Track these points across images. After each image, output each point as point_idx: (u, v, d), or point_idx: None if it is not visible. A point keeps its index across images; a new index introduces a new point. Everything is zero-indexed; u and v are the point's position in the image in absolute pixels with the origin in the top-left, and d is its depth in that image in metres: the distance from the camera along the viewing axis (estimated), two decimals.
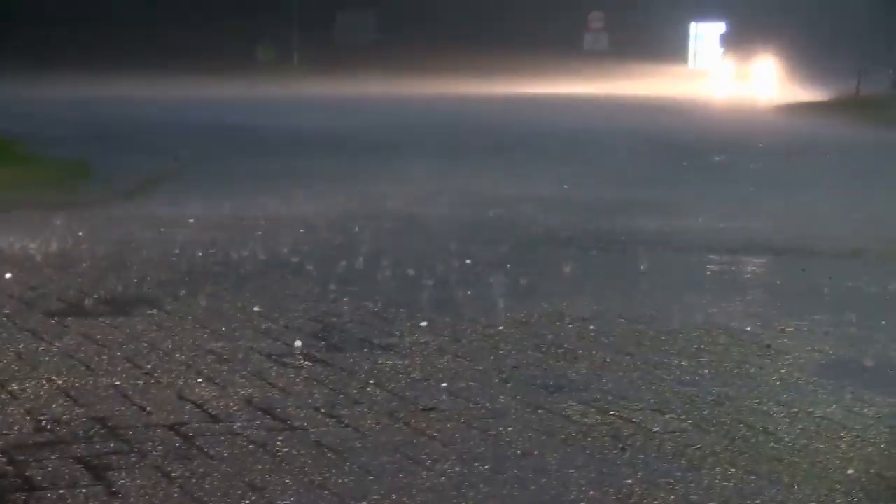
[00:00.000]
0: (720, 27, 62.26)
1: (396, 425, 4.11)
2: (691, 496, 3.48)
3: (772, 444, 3.98)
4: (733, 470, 3.71)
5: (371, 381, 4.66)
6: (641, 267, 7.50)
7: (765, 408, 4.39)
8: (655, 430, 4.11)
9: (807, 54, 47.38)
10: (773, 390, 4.63)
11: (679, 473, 3.67)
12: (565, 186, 11.95)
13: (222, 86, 37.08)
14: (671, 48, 60.36)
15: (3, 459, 3.68)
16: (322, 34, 57.22)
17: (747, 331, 5.65)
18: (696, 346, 5.33)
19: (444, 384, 4.64)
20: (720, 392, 4.59)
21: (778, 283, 7.02)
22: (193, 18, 55.62)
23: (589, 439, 4.00)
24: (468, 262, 7.47)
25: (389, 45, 56.45)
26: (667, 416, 4.27)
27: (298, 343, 5.26)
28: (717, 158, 15.63)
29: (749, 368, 4.97)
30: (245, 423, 4.10)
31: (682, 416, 4.27)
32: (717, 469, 3.72)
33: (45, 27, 52.59)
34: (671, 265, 7.62)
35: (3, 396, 4.36)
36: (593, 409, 4.33)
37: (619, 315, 5.96)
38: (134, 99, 29.01)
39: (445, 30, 57.53)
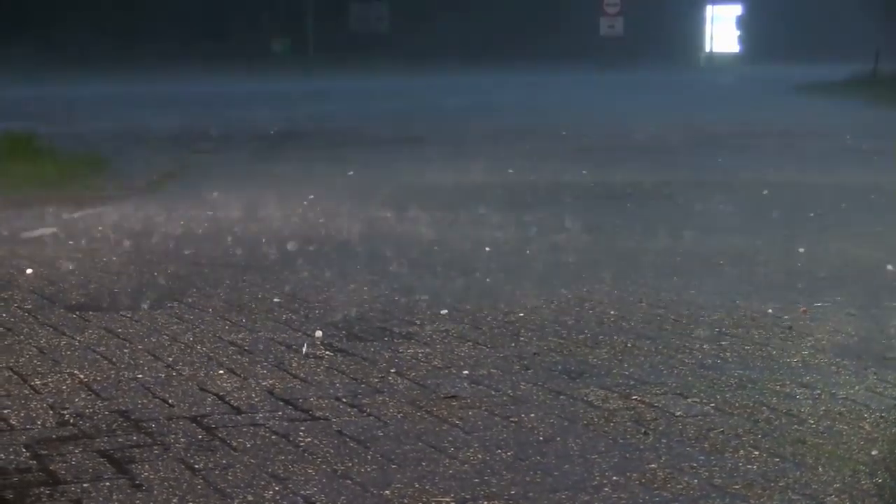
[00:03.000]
0: (736, 9, 62.10)
1: (418, 414, 4.11)
2: (715, 479, 3.47)
3: (795, 426, 3.97)
4: (756, 453, 3.70)
5: (392, 370, 4.66)
6: (662, 248, 7.48)
7: (787, 390, 4.38)
8: (678, 413, 4.10)
9: (823, 35, 47.23)
10: (795, 372, 4.62)
11: (702, 457, 3.67)
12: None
13: (243, 78, 37.09)
14: (687, 32, 60.23)
15: (27, 454, 3.69)
16: (337, 24, 57.20)
17: (768, 313, 5.64)
18: (717, 330, 5.32)
19: (466, 372, 4.64)
20: (742, 375, 4.58)
21: (799, 264, 6.99)
22: (209, 11, 55.68)
23: (611, 424, 3.99)
24: (487, 249, 7.47)
25: (403, 34, 56.42)
26: (689, 400, 4.26)
27: (319, 333, 5.26)
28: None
29: (771, 350, 4.96)
30: (267, 414, 4.10)
31: (705, 400, 4.26)
32: (741, 452, 3.71)
33: (61, 22, 52.65)
34: (691, 246, 7.59)
35: (25, 391, 4.37)
36: (615, 394, 4.33)
37: (639, 299, 5.95)
38: (151, 93, 29.03)
39: (459, 17, 57.46)
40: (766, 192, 10.34)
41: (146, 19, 53.90)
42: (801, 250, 7.41)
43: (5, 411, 4.12)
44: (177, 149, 14.83)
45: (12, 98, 26.84)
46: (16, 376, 4.58)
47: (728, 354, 4.90)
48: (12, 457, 3.67)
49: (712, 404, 4.21)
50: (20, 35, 50.32)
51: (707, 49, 61.44)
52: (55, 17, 52.55)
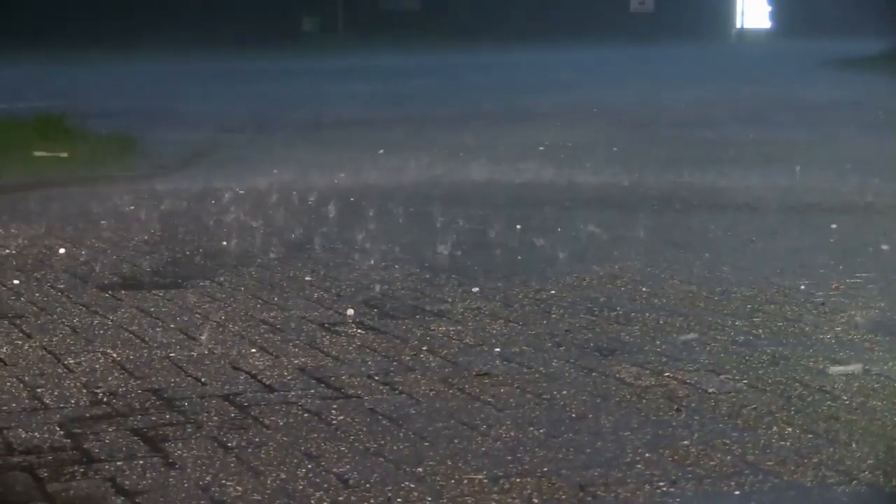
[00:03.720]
0: None
1: (450, 391, 4.11)
2: (748, 456, 3.46)
3: (828, 402, 3.95)
4: (790, 429, 3.69)
5: (424, 348, 4.66)
6: (692, 227, 7.46)
7: (820, 366, 4.36)
8: (710, 390, 4.09)
9: (855, 9, 46.92)
10: (828, 348, 4.60)
11: (735, 434, 3.65)
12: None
13: (273, 56, 37.12)
14: (717, 7, 59.96)
15: (61, 432, 3.71)
16: (366, 3, 57.14)
17: (801, 289, 5.61)
18: (749, 306, 5.30)
19: (498, 349, 4.63)
20: (775, 351, 4.56)
21: (831, 240, 6.96)
22: None
23: (644, 401, 3.98)
24: (518, 226, 7.46)
25: (434, 12, 56.34)
26: (722, 377, 4.24)
27: (351, 311, 5.27)
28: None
29: (804, 327, 4.94)
30: (299, 392, 4.11)
31: (737, 377, 4.24)
32: (774, 429, 3.70)
33: (84, 3, 52.74)
34: (723, 224, 7.56)
35: (59, 370, 4.40)
36: (647, 371, 4.32)
37: (671, 276, 5.94)
38: (180, 72, 29.08)
39: None
40: (798, 168, 10.29)
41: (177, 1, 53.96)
42: (834, 226, 7.38)
43: (39, 390, 4.15)
44: (209, 128, 14.85)
45: (37, 77, 26.92)
46: (49, 355, 4.60)
47: (761, 331, 4.88)
48: (46, 435, 3.69)
49: (745, 381, 4.19)
50: (51, 14, 50.46)
51: (738, 25, 61.12)
52: None
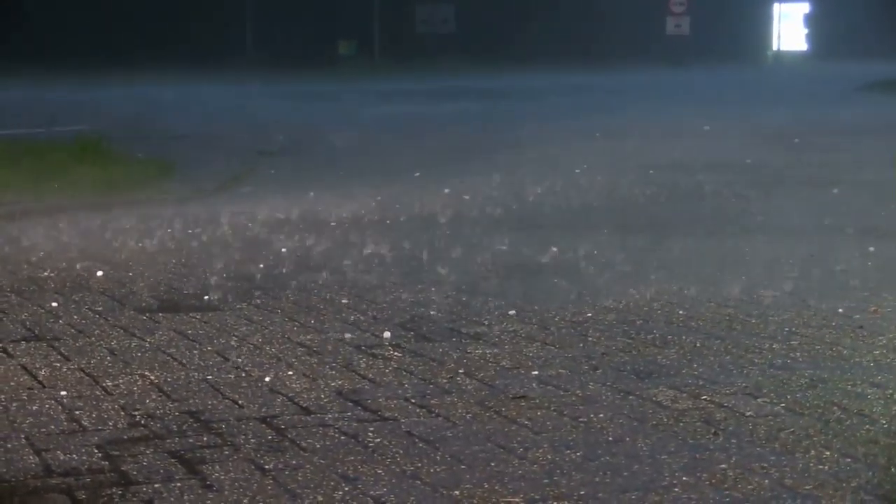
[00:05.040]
0: (804, 7, 61.61)
1: (487, 414, 4.11)
2: (786, 480, 3.45)
3: (867, 426, 3.93)
4: (828, 453, 3.67)
5: (461, 371, 4.66)
6: (728, 249, 7.44)
7: (859, 389, 4.34)
8: (748, 413, 4.08)
9: (892, 32, 46.75)
10: (866, 371, 4.58)
11: (773, 457, 3.64)
12: (577, 171, 11.88)
13: (310, 80, 37.25)
14: (754, 30, 59.90)
15: (100, 454, 3.72)
16: (402, 27, 57.34)
17: (839, 312, 5.59)
18: (787, 329, 5.28)
19: (535, 372, 4.63)
20: (813, 374, 4.54)
21: (869, 263, 6.93)
22: (276, 14, 56.00)
23: (681, 424, 3.97)
24: (554, 248, 7.46)
25: (468, 36, 56.46)
26: (759, 400, 4.23)
27: (387, 334, 5.27)
28: (795, 140, 15.44)
29: (842, 350, 4.92)
30: (336, 415, 4.12)
31: (775, 400, 4.23)
32: (812, 452, 3.68)
33: (119, 23, 53.10)
34: (758, 247, 7.54)
35: (97, 392, 4.42)
36: (684, 395, 4.31)
37: (708, 299, 5.92)
38: (217, 96, 29.20)
39: (524, 18, 57.44)
40: (836, 190, 10.25)
41: (214, 23, 54.28)
42: (872, 249, 7.34)
43: (78, 412, 4.17)
44: (247, 151, 14.90)
45: (72, 99, 27.09)
46: (88, 378, 4.63)
47: (798, 354, 4.87)
48: (85, 457, 3.70)
49: (783, 404, 4.18)
50: (81, 36, 50.85)
51: (774, 47, 61.01)
52: (120, 16, 53.01)
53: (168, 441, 3.85)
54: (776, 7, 61.82)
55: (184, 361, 4.86)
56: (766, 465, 3.58)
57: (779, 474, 3.49)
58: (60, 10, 51.80)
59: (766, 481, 3.44)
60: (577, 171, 11.92)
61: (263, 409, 4.18)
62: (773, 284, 6.27)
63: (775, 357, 4.82)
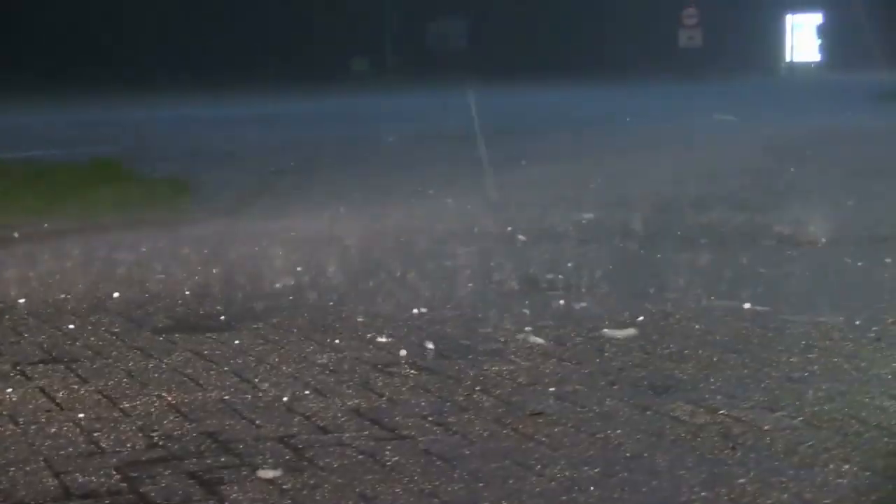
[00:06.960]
0: (816, 18, 61.56)
1: (504, 431, 4.11)
2: (805, 494, 3.44)
3: (886, 438, 3.92)
4: (847, 466, 3.66)
5: (477, 388, 4.66)
6: (744, 262, 7.43)
7: (878, 402, 4.33)
8: (766, 428, 4.07)
9: None
10: (885, 384, 4.56)
11: (792, 471, 3.63)
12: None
13: (323, 97, 37.31)
14: (766, 42, 59.85)
15: (118, 476, 3.73)
16: (415, 43, 57.44)
17: (856, 324, 5.58)
18: (804, 342, 5.27)
19: (551, 388, 4.63)
20: (831, 387, 4.53)
21: (886, 275, 6.91)
22: (288, 30, 56.12)
23: (699, 439, 3.97)
24: (570, 264, 7.45)
25: (481, 51, 56.53)
26: (777, 414, 4.22)
27: (403, 352, 5.27)
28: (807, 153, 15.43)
29: (860, 362, 4.91)
30: (354, 434, 4.12)
31: (793, 413, 4.22)
32: (831, 466, 3.67)
33: (131, 44, 53.30)
34: (775, 260, 7.53)
35: (115, 414, 4.42)
36: (702, 409, 4.30)
37: (725, 313, 5.91)
38: (230, 115, 29.26)
39: (536, 33, 57.50)
40: (850, 203, 10.24)
41: (226, 42, 54.42)
42: (889, 261, 7.33)
43: (96, 434, 4.17)
44: (261, 170, 14.92)
45: (88, 121, 27.16)
46: (105, 399, 4.63)
47: (816, 367, 4.85)
48: (103, 479, 3.71)
49: (801, 418, 4.17)
50: (97, 57, 51.04)
51: (787, 59, 61.00)
52: (142, 40, 53.23)
53: (186, 462, 3.85)
54: (788, 18, 61.82)
55: (201, 382, 4.86)
56: (784, 479, 3.57)
57: (798, 489, 3.48)
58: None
59: (785, 496, 3.43)
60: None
61: (281, 429, 4.19)
62: (790, 297, 6.26)
63: (793, 370, 4.81)
